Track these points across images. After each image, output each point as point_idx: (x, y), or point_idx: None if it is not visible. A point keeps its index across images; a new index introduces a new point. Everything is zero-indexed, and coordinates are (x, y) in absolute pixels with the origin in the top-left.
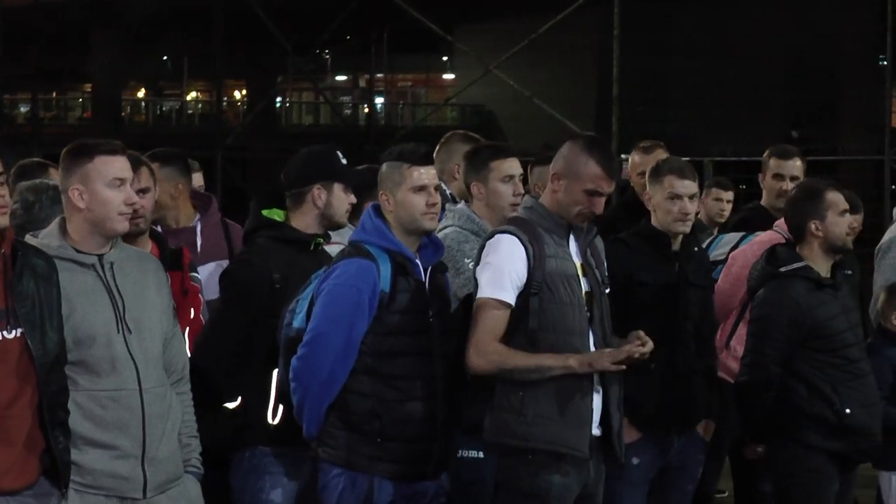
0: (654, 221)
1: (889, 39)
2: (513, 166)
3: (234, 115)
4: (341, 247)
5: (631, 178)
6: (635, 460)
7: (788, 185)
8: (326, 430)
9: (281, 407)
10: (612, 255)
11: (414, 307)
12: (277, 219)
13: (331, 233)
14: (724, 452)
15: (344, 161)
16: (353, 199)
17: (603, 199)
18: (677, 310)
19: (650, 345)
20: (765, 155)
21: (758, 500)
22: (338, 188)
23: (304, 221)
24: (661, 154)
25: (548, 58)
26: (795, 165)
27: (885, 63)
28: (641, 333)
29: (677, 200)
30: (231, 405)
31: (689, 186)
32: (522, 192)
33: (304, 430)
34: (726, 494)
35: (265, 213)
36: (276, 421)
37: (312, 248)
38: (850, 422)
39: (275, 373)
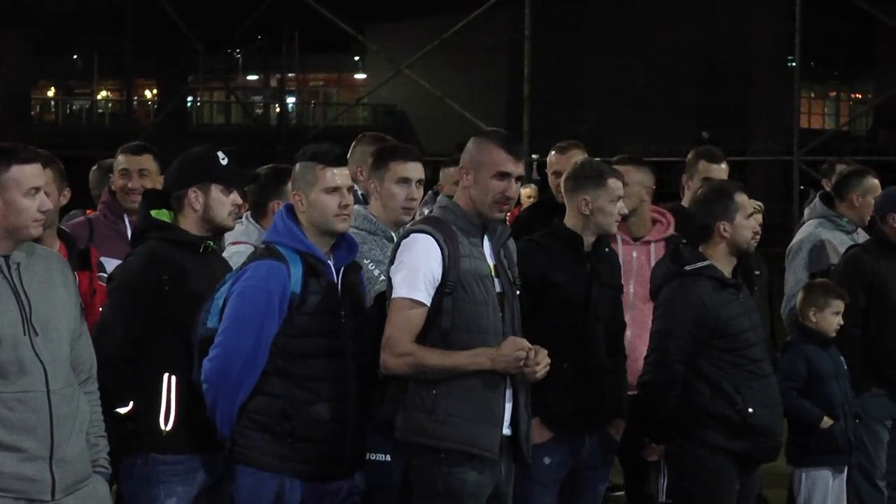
0: (569, 222)
1: (798, 41)
2: (409, 169)
3: (145, 114)
4: (248, 247)
5: (548, 177)
6: (547, 460)
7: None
8: (238, 431)
9: (173, 412)
10: (526, 255)
11: (325, 308)
12: (166, 220)
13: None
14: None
15: (225, 162)
16: (237, 199)
17: (514, 184)
18: (589, 310)
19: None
20: (690, 156)
21: (646, 500)
22: (216, 190)
23: (188, 224)
24: (578, 154)
25: (459, 58)
26: (722, 169)
27: (794, 64)
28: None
29: (617, 202)
30: (122, 410)
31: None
32: (416, 196)
33: (217, 430)
34: (622, 493)
35: (154, 213)
36: (169, 427)
37: (203, 250)
38: (753, 421)
39: (165, 377)
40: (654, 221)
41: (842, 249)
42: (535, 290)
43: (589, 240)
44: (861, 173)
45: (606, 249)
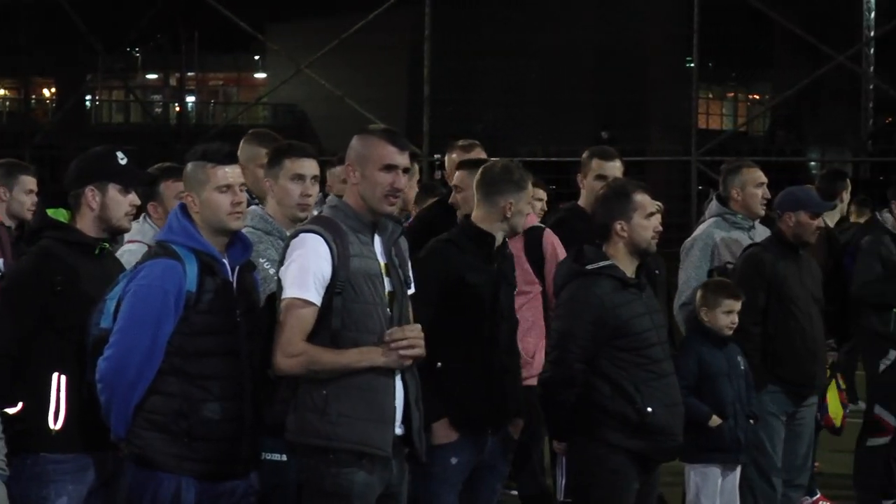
0: (480, 221)
1: (695, 42)
2: (304, 166)
3: (43, 113)
4: (141, 246)
5: (449, 177)
6: (454, 460)
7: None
8: (134, 431)
9: (63, 412)
10: (443, 256)
11: (220, 307)
12: (62, 219)
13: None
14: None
15: (124, 161)
16: (135, 200)
17: (401, 176)
18: (496, 310)
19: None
20: (585, 155)
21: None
22: (113, 189)
23: (85, 223)
24: (479, 153)
25: (360, 58)
26: (616, 167)
27: (692, 65)
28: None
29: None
30: (11, 411)
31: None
32: (311, 192)
33: (112, 430)
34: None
35: (50, 212)
36: (58, 426)
37: (98, 252)
38: (652, 421)
39: (55, 377)
40: None
41: (741, 247)
42: (451, 290)
43: (498, 239)
44: (736, 168)
45: (507, 249)
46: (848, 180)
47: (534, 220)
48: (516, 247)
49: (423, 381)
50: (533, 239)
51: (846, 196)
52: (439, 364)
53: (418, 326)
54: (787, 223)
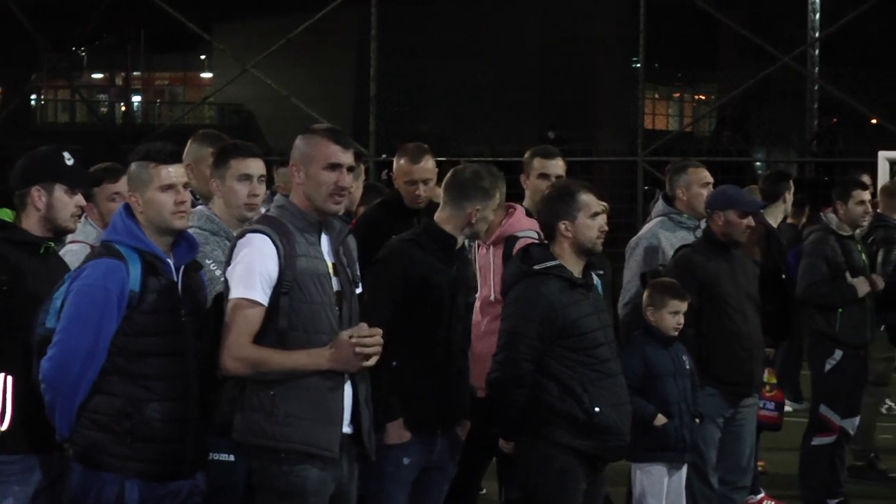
0: (443, 224)
1: (642, 42)
2: (251, 166)
3: None
4: (83, 246)
5: (395, 179)
6: (406, 460)
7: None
8: (78, 431)
9: (9, 412)
10: (407, 256)
11: (165, 307)
12: (6, 219)
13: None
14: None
15: (71, 162)
16: (80, 201)
17: (346, 174)
18: (453, 312)
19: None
20: (527, 155)
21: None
22: (59, 190)
23: (30, 223)
24: (430, 160)
25: (306, 57)
26: (558, 165)
27: (639, 65)
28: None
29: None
30: None
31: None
32: (258, 192)
33: (57, 430)
34: (484, 492)
35: None
36: (4, 427)
37: (43, 251)
38: (600, 420)
39: (1, 377)
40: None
41: None
42: (413, 290)
43: (459, 242)
44: (682, 168)
45: (466, 253)
46: (791, 181)
47: (516, 228)
48: (497, 254)
49: (378, 381)
50: (511, 248)
51: (789, 197)
52: (394, 364)
53: (379, 331)
54: (716, 222)
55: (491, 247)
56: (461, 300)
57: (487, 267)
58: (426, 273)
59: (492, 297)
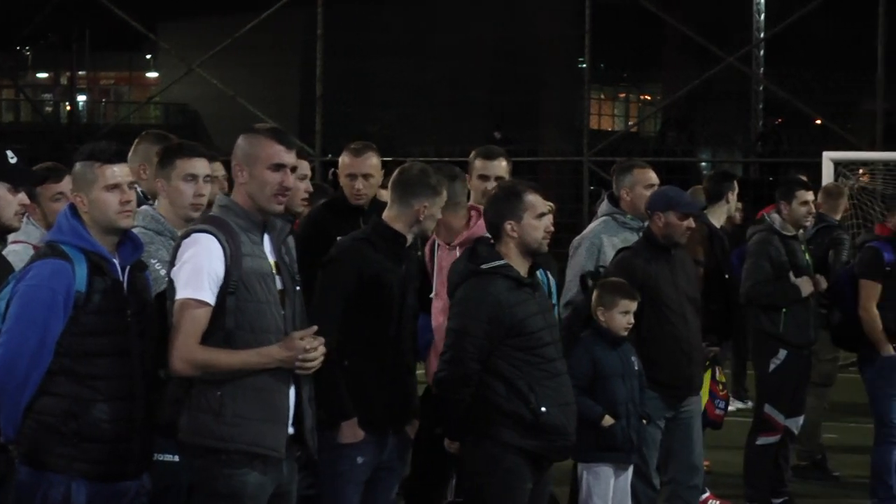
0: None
1: (587, 43)
2: (196, 166)
3: None
4: (25, 247)
5: (340, 178)
6: (360, 459)
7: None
8: (24, 432)
9: None
10: (360, 255)
11: (111, 307)
12: None
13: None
14: None
15: (14, 160)
16: (24, 199)
17: (290, 174)
18: (403, 311)
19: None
20: (471, 156)
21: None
22: (2, 188)
23: None
24: (373, 157)
25: (252, 57)
26: (500, 166)
27: (585, 66)
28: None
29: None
30: None
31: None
32: (204, 192)
33: (2, 431)
34: None
35: None
36: None
37: None
38: (546, 420)
39: None
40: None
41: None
42: (365, 289)
43: (408, 240)
44: (627, 168)
45: (417, 251)
46: (735, 181)
47: (482, 231)
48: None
49: (329, 380)
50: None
51: (733, 197)
52: (346, 363)
53: (323, 340)
54: (657, 223)
55: (457, 248)
56: (410, 299)
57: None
58: (378, 272)
59: None
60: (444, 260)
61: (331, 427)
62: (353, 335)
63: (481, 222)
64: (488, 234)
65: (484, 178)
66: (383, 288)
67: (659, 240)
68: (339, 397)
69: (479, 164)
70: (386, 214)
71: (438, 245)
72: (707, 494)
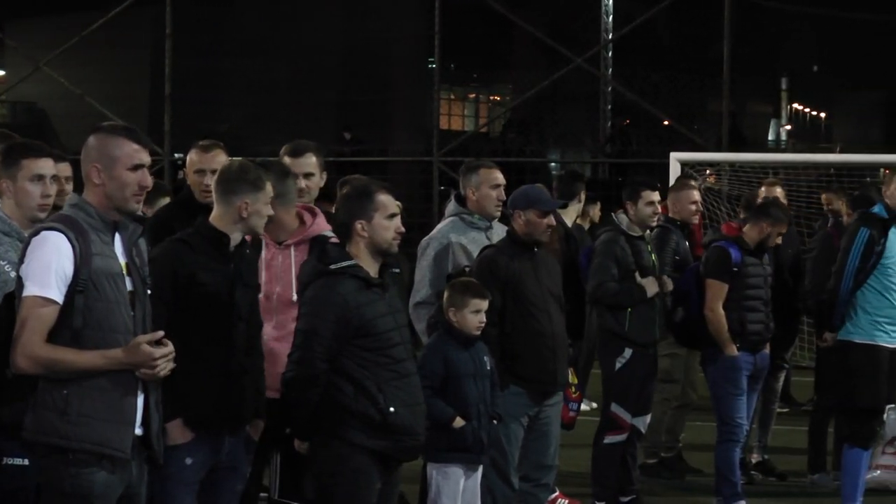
0: (217, 221)
1: (437, 43)
2: (43, 166)
3: None
4: None
5: (188, 175)
6: (189, 460)
7: (302, 183)
8: None
9: None
10: (175, 255)
11: None
12: None
13: None
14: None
15: None
16: None
17: (147, 173)
18: (232, 310)
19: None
20: (280, 154)
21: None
22: None
23: None
24: (221, 154)
25: (101, 56)
26: (309, 162)
27: (434, 66)
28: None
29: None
30: None
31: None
32: (51, 192)
33: None
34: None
35: None
36: None
37: None
38: (394, 420)
39: None
40: (300, 221)
41: (478, 248)
42: (182, 290)
43: (235, 239)
44: (474, 168)
45: (248, 250)
46: (583, 181)
47: (322, 228)
48: (301, 255)
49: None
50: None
51: (583, 196)
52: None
53: (170, 346)
54: (518, 222)
55: (292, 247)
56: (241, 298)
57: (286, 267)
58: (194, 272)
59: (293, 298)
60: (272, 258)
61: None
62: (177, 335)
63: (319, 219)
64: (326, 234)
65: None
66: (201, 287)
67: (521, 238)
68: (164, 398)
69: (287, 162)
70: (212, 214)
71: (266, 243)
72: (556, 493)
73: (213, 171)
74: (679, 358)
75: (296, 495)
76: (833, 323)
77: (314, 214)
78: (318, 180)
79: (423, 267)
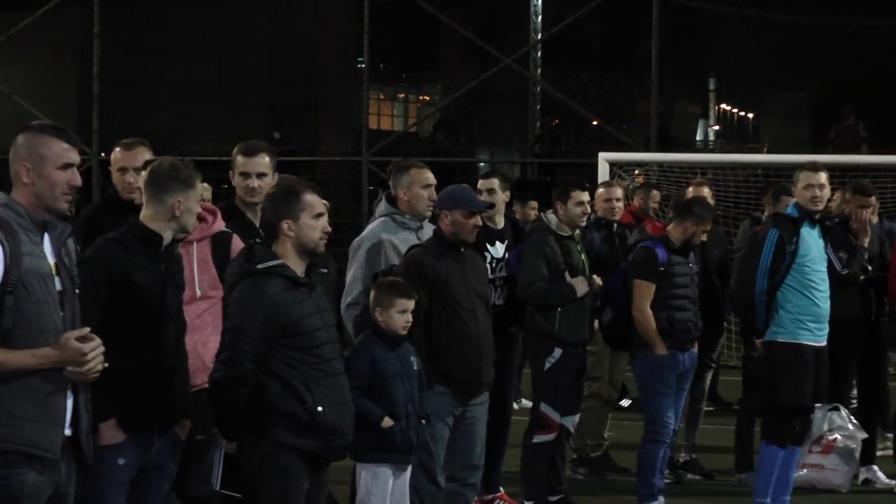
0: (148, 220)
1: (366, 42)
2: None
3: None
4: None
5: (112, 173)
6: (121, 461)
7: (255, 182)
8: None
9: None
10: (109, 254)
11: None
12: None
13: None
14: None
15: None
16: None
17: (76, 172)
18: (163, 310)
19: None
20: (233, 152)
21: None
22: None
23: None
24: (145, 152)
25: (28, 54)
26: (262, 162)
27: (363, 66)
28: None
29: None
30: None
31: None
32: None
33: None
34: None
35: None
36: None
37: None
38: (322, 420)
39: None
40: (201, 220)
41: (406, 248)
42: (117, 290)
43: (167, 238)
44: (404, 168)
45: (176, 250)
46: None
47: (222, 226)
48: (203, 251)
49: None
50: (221, 243)
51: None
52: (106, 364)
53: (98, 340)
54: (444, 221)
55: (194, 243)
56: (172, 298)
57: (188, 263)
58: (129, 272)
59: (198, 294)
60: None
61: (91, 429)
62: (110, 336)
63: (219, 218)
64: (226, 230)
65: (245, 175)
66: (135, 287)
67: (448, 238)
68: (96, 399)
69: (240, 161)
70: (143, 214)
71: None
72: (500, 493)
73: (136, 169)
74: (601, 355)
75: (238, 487)
76: (757, 327)
77: (214, 213)
78: (270, 180)
79: (355, 267)
